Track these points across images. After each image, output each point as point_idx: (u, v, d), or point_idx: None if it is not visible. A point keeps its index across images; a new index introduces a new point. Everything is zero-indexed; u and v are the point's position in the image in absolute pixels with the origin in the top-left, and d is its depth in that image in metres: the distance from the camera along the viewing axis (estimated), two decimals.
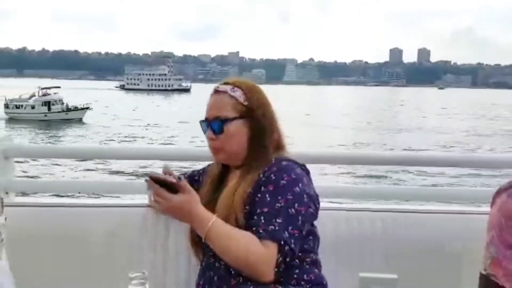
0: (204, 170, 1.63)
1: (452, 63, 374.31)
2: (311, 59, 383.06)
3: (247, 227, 1.30)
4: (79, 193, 2.34)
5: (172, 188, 1.28)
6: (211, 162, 1.59)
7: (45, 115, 38.31)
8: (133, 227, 1.80)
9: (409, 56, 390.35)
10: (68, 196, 2.69)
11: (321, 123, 39.34)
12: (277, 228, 1.26)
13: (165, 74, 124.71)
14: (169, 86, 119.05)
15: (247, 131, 1.40)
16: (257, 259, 1.25)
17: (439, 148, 27.10)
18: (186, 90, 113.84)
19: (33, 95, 40.33)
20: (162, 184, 1.29)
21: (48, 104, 39.20)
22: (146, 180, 1.30)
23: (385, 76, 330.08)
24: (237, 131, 1.40)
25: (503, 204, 1.25)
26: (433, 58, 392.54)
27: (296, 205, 1.30)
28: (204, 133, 1.44)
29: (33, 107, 38.89)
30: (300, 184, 1.33)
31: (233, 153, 1.42)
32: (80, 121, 38.50)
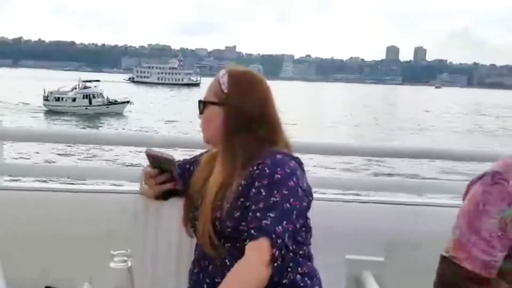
0: (195, 158, 1.64)
1: (448, 62, 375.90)
2: (308, 55, 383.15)
3: (241, 219, 1.32)
4: (68, 178, 2.34)
5: (166, 168, 1.35)
6: (204, 150, 1.61)
7: (86, 108, 38.42)
8: (123, 214, 1.78)
9: (406, 55, 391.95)
10: (57, 181, 2.67)
11: (319, 122, 39.42)
12: (269, 222, 1.25)
13: (175, 68, 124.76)
14: (179, 80, 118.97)
15: (223, 118, 1.41)
16: (253, 274, 1.22)
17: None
18: (196, 85, 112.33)
19: (74, 88, 40.54)
20: (157, 163, 1.34)
21: (88, 97, 39.42)
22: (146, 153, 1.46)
23: (382, 73, 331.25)
24: (212, 116, 1.43)
25: (474, 192, 1.29)
26: (429, 57, 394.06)
27: (291, 199, 1.30)
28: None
29: (74, 100, 39.02)
30: (295, 178, 1.33)
31: (210, 136, 1.47)
32: (119, 114, 38.49)
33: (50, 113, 37.46)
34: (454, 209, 1.29)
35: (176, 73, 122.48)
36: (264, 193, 1.29)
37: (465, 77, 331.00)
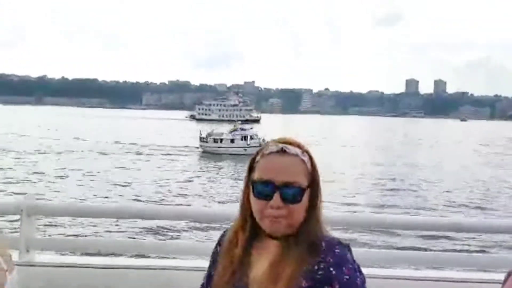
0: (213, 259, 1.45)
1: (469, 94, 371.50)
2: (327, 89, 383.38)
3: None
4: (99, 251, 2.34)
5: None
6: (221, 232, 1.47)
7: (245, 150, 38.60)
8: None
9: (425, 87, 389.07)
10: (89, 254, 2.58)
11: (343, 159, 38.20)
12: None
13: (236, 105, 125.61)
14: (240, 116, 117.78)
15: (308, 201, 1.29)
16: None
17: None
18: (257, 121, 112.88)
19: (234, 130, 41.74)
20: None
21: (246, 138, 40.22)
22: None
23: (403, 106, 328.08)
24: (306, 201, 1.29)
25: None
26: (449, 89, 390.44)
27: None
28: (260, 197, 1.27)
29: (232, 141, 39.85)
30: (359, 274, 1.26)
31: (294, 224, 1.28)
32: None
33: (206, 154, 38.01)
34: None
35: (237, 110, 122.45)
36: None
37: (488, 109, 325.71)
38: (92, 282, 1.89)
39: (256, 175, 1.28)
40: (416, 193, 24.59)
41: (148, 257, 2.48)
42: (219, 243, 1.44)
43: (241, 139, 40.25)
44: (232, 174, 29.82)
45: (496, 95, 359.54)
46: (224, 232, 1.44)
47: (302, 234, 1.27)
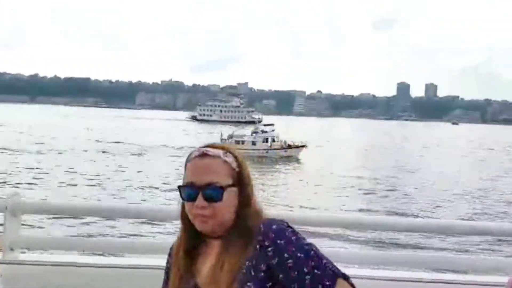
0: (166, 269, 1.50)
1: (459, 98, 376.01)
2: (319, 91, 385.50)
3: None
4: (83, 251, 2.32)
5: None
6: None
7: (267, 152, 38.23)
8: None
9: (416, 91, 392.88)
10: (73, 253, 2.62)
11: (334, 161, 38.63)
12: (332, 268, 1.29)
13: (238, 106, 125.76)
14: (241, 118, 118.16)
15: (236, 199, 1.35)
16: None
17: None
18: (258, 122, 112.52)
19: (255, 131, 41.00)
20: None
21: (267, 140, 39.43)
22: None
23: (395, 109, 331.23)
24: (232, 199, 1.33)
25: None
26: (441, 93, 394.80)
27: (319, 255, 1.30)
28: (187, 199, 1.33)
29: (254, 143, 39.03)
30: (303, 239, 1.32)
31: (223, 222, 1.34)
32: (294, 158, 37.96)
33: None
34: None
35: (239, 111, 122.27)
36: (296, 273, 1.26)
37: (478, 113, 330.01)
38: (76, 281, 1.89)
39: (184, 180, 1.35)
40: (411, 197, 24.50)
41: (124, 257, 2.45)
42: (169, 256, 1.48)
43: (263, 141, 39.69)
44: (254, 177, 30.40)
45: (486, 99, 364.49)
46: (172, 245, 1.48)
47: (236, 229, 1.33)
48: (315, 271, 1.26)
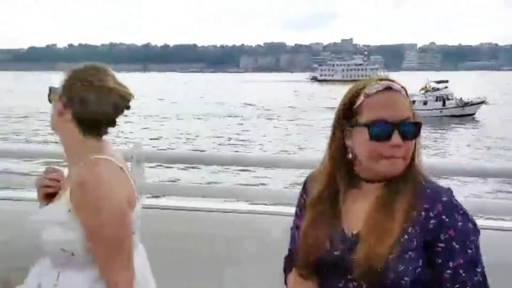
0: (304, 188, 1.41)
1: None
2: (432, 43, 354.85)
3: (404, 273, 1.15)
4: (203, 196, 2.46)
5: None
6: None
7: (440, 112, 35.44)
8: (258, 234, 1.89)
9: None
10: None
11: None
12: (481, 279, 1.17)
13: (361, 64, 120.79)
14: (365, 76, 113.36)
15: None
16: None
17: None
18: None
19: (426, 90, 37.83)
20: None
21: (441, 99, 36.56)
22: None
23: None
24: (413, 141, 1.24)
25: None
26: None
27: (479, 253, 1.19)
28: (377, 137, 1.20)
29: (425, 103, 35.83)
30: (469, 217, 1.21)
31: (407, 163, 1.23)
32: (471, 117, 34.85)
33: None
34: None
35: (362, 69, 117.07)
36: (457, 246, 1.17)
37: None
38: (202, 225, 2.03)
39: (366, 117, 1.22)
40: None
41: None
42: (304, 190, 1.40)
43: (436, 100, 36.11)
44: (425, 138, 26.44)
45: None
46: (306, 179, 1.41)
47: (409, 175, 1.23)
48: (469, 267, 1.16)
